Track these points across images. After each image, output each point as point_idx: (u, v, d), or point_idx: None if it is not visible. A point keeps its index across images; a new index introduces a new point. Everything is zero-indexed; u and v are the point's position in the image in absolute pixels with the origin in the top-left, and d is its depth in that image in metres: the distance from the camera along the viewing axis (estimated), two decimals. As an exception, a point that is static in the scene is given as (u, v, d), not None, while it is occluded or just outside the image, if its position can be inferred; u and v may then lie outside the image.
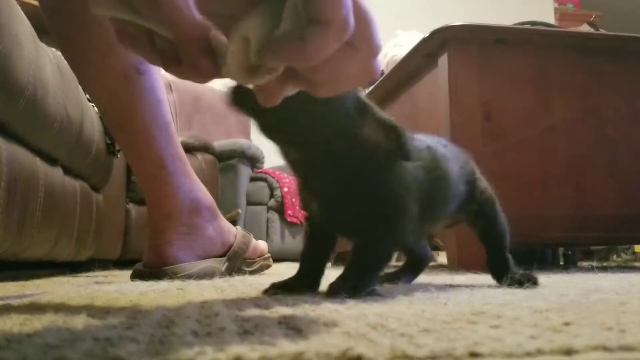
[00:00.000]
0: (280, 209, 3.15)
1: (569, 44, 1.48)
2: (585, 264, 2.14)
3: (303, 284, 0.65)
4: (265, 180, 3.19)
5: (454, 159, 0.72)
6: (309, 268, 0.67)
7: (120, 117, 1.04)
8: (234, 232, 1.16)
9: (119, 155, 1.66)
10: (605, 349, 0.28)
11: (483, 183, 0.77)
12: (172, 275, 0.98)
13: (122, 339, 0.30)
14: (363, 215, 0.59)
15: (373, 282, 0.61)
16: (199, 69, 0.37)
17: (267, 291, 0.64)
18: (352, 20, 0.35)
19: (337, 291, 0.57)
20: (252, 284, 0.81)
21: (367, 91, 2.15)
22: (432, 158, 0.67)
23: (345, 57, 0.37)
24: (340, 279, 0.60)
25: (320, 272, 0.67)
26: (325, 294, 0.59)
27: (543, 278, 0.78)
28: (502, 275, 0.75)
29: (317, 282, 0.66)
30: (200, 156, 2.41)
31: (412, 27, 2.43)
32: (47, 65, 1.08)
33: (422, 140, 0.69)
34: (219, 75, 0.39)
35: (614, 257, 3.06)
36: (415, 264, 0.85)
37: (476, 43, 1.40)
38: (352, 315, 0.40)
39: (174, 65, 0.39)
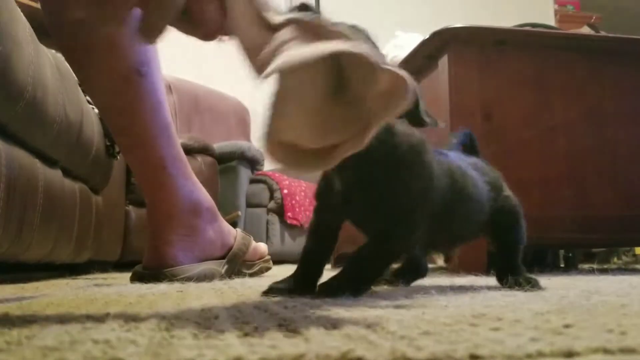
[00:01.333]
0: (280, 211, 3.15)
1: (569, 46, 1.48)
2: (585, 266, 2.14)
3: (302, 285, 0.65)
4: (265, 182, 3.19)
5: (482, 180, 0.73)
6: (309, 268, 0.67)
7: (121, 119, 1.04)
8: (234, 234, 1.16)
9: (118, 157, 1.66)
10: (606, 351, 0.27)
11: (510, 201, 0.78)
12: (172, 278, 0.98)
13: (121, 341, 0.30)
14: (379, 207, 0.59)
15: (372, 282, 0.61)
16: (207, 15, 0.40)
17: (267, 293, 0.63)
18: None
19: (334, 290, 0.57)
20: (251, 286, 0.81)
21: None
22: (459, 175, 0.68)
23: None
24: (340, 276, 0.60)
25: (319, 273, 0.67)
26: (319, 292, 0.59)
27: (544, 280, 0.78)
28: (505, 277, 0.75)
29: (315, 283, 0.66)
30: (199, 158, 2.41)
31: (412, 29, 2.43)
32: (46, 66, 1.08)
33: (453, 158, 0.70)
34: (224, 28, 0.41)
35: (615, 259, 3.06)
36: (411, 271, 0.85)
37: (476, 45, 1.40)
38: (352, 317, 0.40)
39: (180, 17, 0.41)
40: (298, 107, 0.41)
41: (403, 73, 0.39)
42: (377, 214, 0.60)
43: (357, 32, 0.50)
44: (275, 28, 0.44)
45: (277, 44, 0.41)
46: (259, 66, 0.42)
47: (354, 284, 0.59)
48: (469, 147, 0.85)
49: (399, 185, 0.59)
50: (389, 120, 0.41)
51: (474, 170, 0.73)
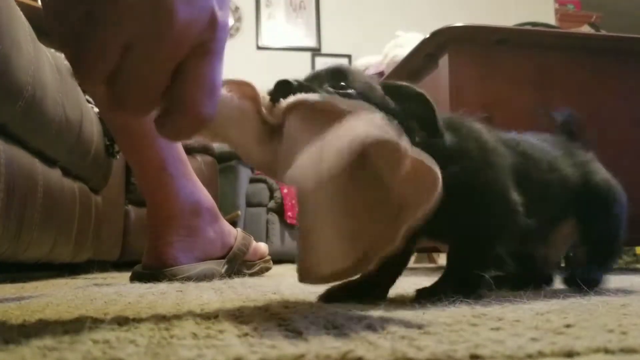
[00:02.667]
0: (280, 211, 3.15)
1: (569, 45, 1.48)
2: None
3: (370, 290, 0.57)
4: (265, 181, 3.19)
5: (567, 162, 0.68)
6: (380, 270, 0.55)
7: (122, 119, 1.04)
8: (234, 234, 1.16)
9: (118, 157, 1.66)
10: (607, 351, 0.27)
11: (600, 187, 0.71)
12: (172, 277, 0.97)
13: (120, 341, 0.30)
14: (458, 210, 0.53)
15: (479, 282, 0.55)
16: (196, 109, 0.35)
17: (324, 297, 0.55)
18: None
19: (436, 293, 0.53)
20: (251, 286, 0.81)
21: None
22: (524, 153, 0.63)
23: None
24: (441, 280, 0.56)
25: (394, 277, 0.60)
26: (417, 297, 0.54)
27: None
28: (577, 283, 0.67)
29: (387, 288, 0.59)
30: (199, 157, 2.41)
31: (412, 28, 2.44)
32: (46, 66, 1.07)
33: (523, 138, 0.67)
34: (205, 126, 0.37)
35: (614, 258, 3.05)
36: (527, 277, 0.75)
37: (477, 44, 1.40)
38: (352, 317, 0.40)
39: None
40: (327, 218, 0.40)
41: (429, 162, 0.38)
42: (459, 225, 0.56)
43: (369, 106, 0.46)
44: (279, 126, 0.43)
45: (288, 154, 0.40)
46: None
47: (460, 286, 0.54)
48: (567, 129, 0.79)
49: (476, 189, 0.55)
50: (420, 217, 0.38)
51: (558, 152, 0.68)
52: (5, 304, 0.57)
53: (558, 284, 0.77)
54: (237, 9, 4.20)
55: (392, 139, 0.37)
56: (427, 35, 1.44)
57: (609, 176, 0.73)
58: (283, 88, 0.45)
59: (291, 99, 0.43)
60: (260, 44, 4.22)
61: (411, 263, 3.18)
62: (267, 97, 0.45)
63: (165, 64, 0.34)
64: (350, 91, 0.49)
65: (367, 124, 0.38)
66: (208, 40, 0.35)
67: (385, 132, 0.37)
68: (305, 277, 0.41)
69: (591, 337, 0.30)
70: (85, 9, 0.32)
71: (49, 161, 1.17)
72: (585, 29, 2.24)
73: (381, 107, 0.46)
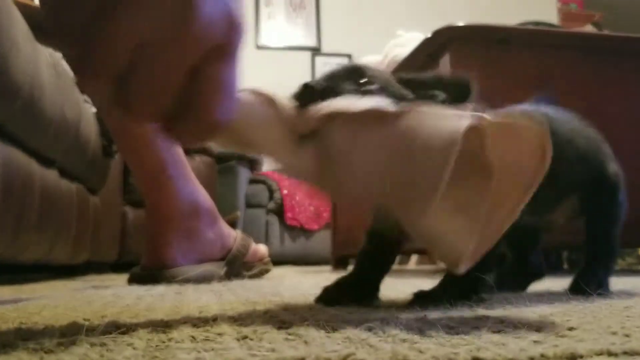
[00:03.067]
0: (279, 212, 3.15)
1: (572, 45, 1.48)
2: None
3: (362, 288, 0.57)
4: (264, 182, 3.19)
5: (565, 132, 0.64)
6: (370, 267, 0.57)
7: (121, 120, 1.04)
8: (234, 236, 1.16)
9: (115, 157, 1.66)
10: (610, 353, 0.27)
11: (606, 172, 0.68)
12: (170, 279, 0.97)
13: (118, 344, 0.29)
14: None
15: (480, 285, 0.54)
16: (211, 116, 0.34)
17: (321, 298, 0.55)
18: None
19: (435, 298, 0.52)
20: (251, 289, 0.81)
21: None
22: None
23: None
24: (441, 284, 0.55)
25: (383, 273, 0.58)
26: (414, 301, 0.53)
27: (547, 282, 0.78)
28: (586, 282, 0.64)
29: (378, 285, 0.58)
30: (198, 158, 2.41)
31: (413, 28, 2.43)
32: (44, 66, 1.07)
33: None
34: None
35: (619, 260, 3.06)
36: (520, 274, 0.73)
37: (478, 43, 1.40)
38: (352, 320, 0.39)
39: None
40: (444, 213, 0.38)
41: (521, 121, 0.37)
42: None
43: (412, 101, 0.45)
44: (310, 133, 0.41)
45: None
46: None
47: (461, 289, 0.54)
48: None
49: None
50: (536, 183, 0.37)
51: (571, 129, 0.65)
52: (2, 306, 0.56)
53: (560, 286, 0.76)
54: (236, 9, 4.20)
55: (472, 121, 0.36)
56: (429, 35, 1.44)
57: (616, 165, 0.70)
58: (308, 93, 0.43)
59: (325, 108, 0.41)
60: (259, 44, 4.22)
61: (412, 265, 3.18)
62: (288, 103, 0.43)
63: (182, 65, 0.32)
64: (372, 87, 0.48)
65: (440, 118, 0.37)
66: (227, 42, 0.34)
67: (462, 116, 0.36)
68: (457, 267, 0.39)
69: (594, 340, 0.30)
70: (98, 1, 0.30)
71: (47, 162, 1.17)
72: (588, 28, 2.24)
73: (402, 99, 0.45)
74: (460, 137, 0.35)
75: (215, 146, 0.51)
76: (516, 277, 0.73)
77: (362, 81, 0.48)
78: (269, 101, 0.42)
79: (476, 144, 0.37)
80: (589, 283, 0.63)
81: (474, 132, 0.36)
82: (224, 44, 0.33)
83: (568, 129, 0.65)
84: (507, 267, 0.73)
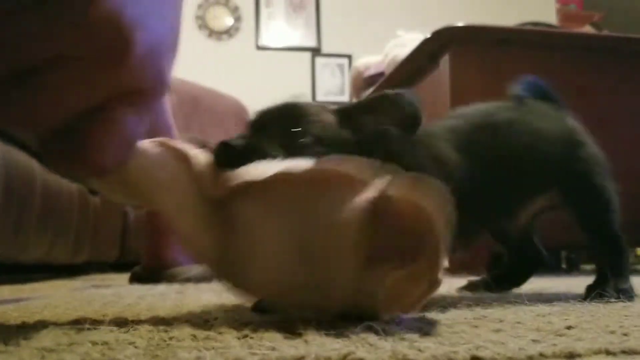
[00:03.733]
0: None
1: (571, 45, 1.48)
2: (588, 267, 2.14)
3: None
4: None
5: (548, 132, 0.62)
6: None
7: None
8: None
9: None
10: (608, 352, 0.27)
11: (585, 149, 0.64)
12: (171, 278, 0.97)
13: (119, 343, 0.30)
14: None
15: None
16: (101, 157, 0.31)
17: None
18: None
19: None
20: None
21: (368, 92, 2.14)
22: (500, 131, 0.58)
23: None
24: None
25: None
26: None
27: (546, 281, 0.78)
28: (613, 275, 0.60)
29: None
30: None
31: (413, 28, 2.43)
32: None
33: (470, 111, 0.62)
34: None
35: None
36: (519, 266, 0.71)
37: (478, 44, 1.40)
38: (352, 319, 0.40)
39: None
40: None
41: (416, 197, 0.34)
42: None
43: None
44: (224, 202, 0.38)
45: None
46: None
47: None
48: (544, 96, 0.70)
49: None
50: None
51: (539, 123, 0.62)
52: (4, 306, 0.56)
53: (560, 286, 0.76)
54: (236, 8, 4.20)
55: (372, 198, 0.34)
56: (428, 35, 1.44)
57: (597, 150, 0.66)
58: (226, 153, 0.40)
59: (238, 178, 0.37)
60: (259, 44, 4.21)
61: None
62: (204, 161, 0.39)
63: (98, 89, 0.30)
64: (305, 140, 0.44)
65: (343, 192, 0.35)
66: (149, 90, 0.32)
67: (365, 188, 0.34)
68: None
69: (592, 339, 0.30)
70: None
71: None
72: (587, 28, 2.24)
73: (338, 145, 0.44)
74: (360, 214, 0.34)
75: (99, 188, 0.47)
76: (514, 272, 0.71)
77: (294, 131, 0.44)
78: (182, 156, 0.39)
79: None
80: (605, 289, 0.59)
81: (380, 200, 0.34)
82: (145, 91, 0.32)
83: (531, 129, 0.61)
84: (504, 265, 0.72)
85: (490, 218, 0.60)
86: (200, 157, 0.39)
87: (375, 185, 0.34)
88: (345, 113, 0.48)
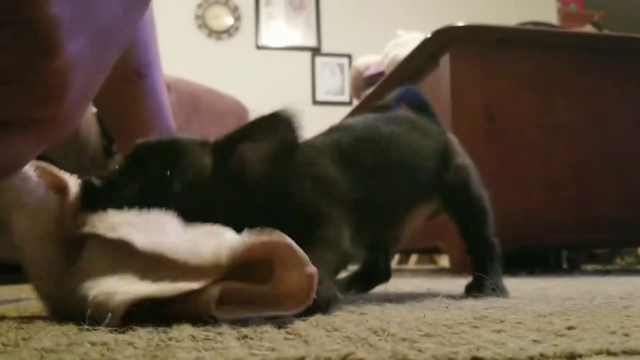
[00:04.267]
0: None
1: (572, 44, 1.48)
2: (588, 267, 2.14)
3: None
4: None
5: (424, 144, 0.64)
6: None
7: (121, 121, 1.03)
8: (234, 234, 1.16)
9: (116, 157, 1.66)
10: (609, 353, 0.27)
11: (460, 159, 0.67)
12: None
13: (119, 344, 0.29)
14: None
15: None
16: None
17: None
18: None
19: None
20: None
21: (368, 92, 2.14)
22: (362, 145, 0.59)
23: None
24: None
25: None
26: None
27: (546, 282, 0.78)
28: (483, 271, 0.65)
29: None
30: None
31: (413, 28, 2.43)
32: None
33: (351, 126, 0.62)
34: None
35: (618, 260, 3.05)
36: (370, 276, 0.75)
37: (478, 43, 1.40)
38: (352, 319, 0.40)
39: None
40: None
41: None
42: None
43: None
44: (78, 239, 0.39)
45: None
46: None
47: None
48: (418, 107, 0.73)
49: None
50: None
51: (413, 132, 0.64)
52: (3, 306, 0.56)
53: (560, 286, 0.76)
54: (236, 8, 4.20)
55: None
56: (429, 35, 1.44)
57: (469, 160, 0.69)
58: (88, 192, 0.40)
59: (88, 224, 0.39)
60: (259, 44, 4.22)
61: (412, 265, 3.18)
62: (74, 195, 0.40)
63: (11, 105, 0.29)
64: (174, 187, 0.45)
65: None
66: (52, 124, 0.31)
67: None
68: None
69: (593, 339, 0.30)
70: None
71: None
72: (588, 28, 2.24)
73: (207, 194, 0.45)
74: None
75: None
76: (365, 280, 0.74)
77: (164, 175, 0.45)
78: (60, 188, 0.40)
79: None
80: (482, 288, 0.64)
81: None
82: (47, 123, 0.31)
83: (410, 141, 0.63)
84: (359, 271, 0.74)
85: (377, 227, 0.62)
86: (75, 190, 0.40)
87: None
88: (223, 147, 0.49)
